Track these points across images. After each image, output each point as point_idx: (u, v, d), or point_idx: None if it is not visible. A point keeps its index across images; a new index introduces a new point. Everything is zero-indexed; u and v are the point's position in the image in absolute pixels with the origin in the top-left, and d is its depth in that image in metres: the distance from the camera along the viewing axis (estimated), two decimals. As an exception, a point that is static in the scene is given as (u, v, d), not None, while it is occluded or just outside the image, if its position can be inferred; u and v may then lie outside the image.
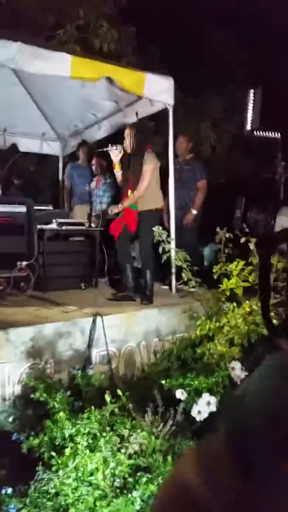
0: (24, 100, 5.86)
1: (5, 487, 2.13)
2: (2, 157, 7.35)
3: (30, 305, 3.80)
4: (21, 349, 2.95)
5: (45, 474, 2.16)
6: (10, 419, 2.76)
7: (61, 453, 2.21)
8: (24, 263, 4.34)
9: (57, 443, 2.29)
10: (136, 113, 4.88)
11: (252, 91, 5.78)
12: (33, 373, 2.90)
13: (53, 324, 3.13)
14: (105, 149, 4.07)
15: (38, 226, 4.57)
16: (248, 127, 5.72)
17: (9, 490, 2.13)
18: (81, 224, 4.97)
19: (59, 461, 2.17)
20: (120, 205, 4.00)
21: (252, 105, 5.82)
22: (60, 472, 2.12)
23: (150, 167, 3.81)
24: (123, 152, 3.96)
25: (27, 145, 6.50)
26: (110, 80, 4.06)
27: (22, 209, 4.49)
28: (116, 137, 4.75)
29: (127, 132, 3.93)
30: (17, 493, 2.14)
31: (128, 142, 3.88)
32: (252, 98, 5.86)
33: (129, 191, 3.91)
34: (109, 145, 4.04)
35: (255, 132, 5.64)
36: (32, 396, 2.56)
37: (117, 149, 3.95)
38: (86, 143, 6.05)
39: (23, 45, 3.44)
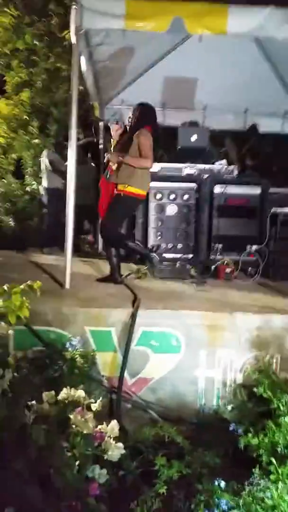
0: (268, 77, 5.54)
1: (218, 478, 2.02)
2: (240, 139, 7.28)
3: (257, 291, 3.59)
4: (245, 336, 2.79)
5: (262, 480, 1.94)
6: (229, 407, 2.65)
7: (283, 462, 1.96)
8: (254, 247, 4.16)
9: (278, 449, 2.04)
10: None
11: None
12: (257, 365, 2.69)
13: (281, 317, 2.85)
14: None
15: (272, 210, 4.28)
16: None
17: (222, 483, 2.00)
18: None
19: (280, 471, 1.92)
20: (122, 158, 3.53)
21: None
22: (280, 484, 1.86)
23: (146, 141, 3.54)
24: (123, 128, 3.93)
25: (268, 125, 6.19)
26: None
27: (257, 191, 4.28)
28: None
29: (134, 109, 3.82)
30: (229, 488, 2.01)
31: (131, 119, 3.76)
32: None
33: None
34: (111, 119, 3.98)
35: None
36: (254, 389, 2.36)
37: (117, 124, 4.00)
38: None
39: (272, 9, 3.17)
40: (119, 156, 3.57)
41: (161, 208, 4.22)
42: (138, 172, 3.51)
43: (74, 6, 3.14)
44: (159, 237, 4.19)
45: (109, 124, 4.31)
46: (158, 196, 4.21)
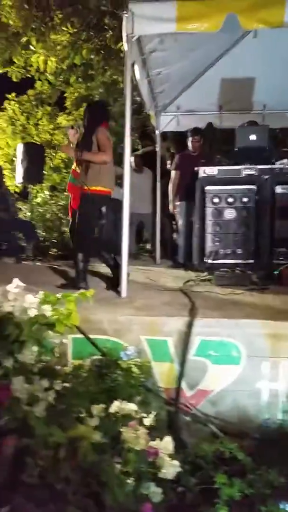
0: None
1: (284, 501, 1.88)
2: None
3: None
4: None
5: None
6: (294, 422, 2.46)
7: None
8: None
9: None
10: None
11: None
12: None
13: None
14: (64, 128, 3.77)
15: None
16: None
17: (288, 507, 1.86)
18: None
19: None
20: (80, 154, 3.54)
21: None
22: None
23: (104, 137, 3.54)
24: (79, 132, 3.90)
25: None
26: None
27: None
28: None
29: (84, 111, 3.85)
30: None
31: (84, 120, 3.75)
32: None
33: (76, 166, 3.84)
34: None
35: None
36: None
37: (73, 129, 4.03)
38: None
39: None
40: (77, 152, 3.59)
41: (219, 213, 4.09)
42: (104, 172, 3.52)
43: (125, 14, 3.15)
44: (217, 243, 4.07)
45: (65, 130, 4.36)
46: (215, 200, 4.09)
